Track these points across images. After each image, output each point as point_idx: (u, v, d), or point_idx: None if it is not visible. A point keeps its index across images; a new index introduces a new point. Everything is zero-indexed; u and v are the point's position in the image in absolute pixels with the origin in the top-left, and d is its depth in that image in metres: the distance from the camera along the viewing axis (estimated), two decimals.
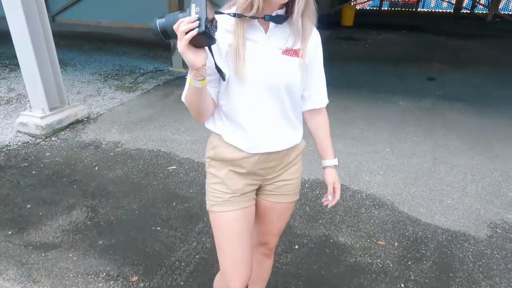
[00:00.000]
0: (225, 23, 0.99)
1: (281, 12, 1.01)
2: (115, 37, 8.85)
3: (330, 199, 1.25)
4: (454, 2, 16.14)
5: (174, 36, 0.84)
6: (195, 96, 0.98)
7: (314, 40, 1.10)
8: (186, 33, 0.80)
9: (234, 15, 0.96)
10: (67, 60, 6.28)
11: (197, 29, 0.79)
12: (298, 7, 0.96)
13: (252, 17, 0.97)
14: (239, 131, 1.09)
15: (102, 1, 10.46)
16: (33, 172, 2.94)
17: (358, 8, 16.66)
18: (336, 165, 1.25)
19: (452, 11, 16.34)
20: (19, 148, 3.32)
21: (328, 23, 10.73)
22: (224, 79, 1.01)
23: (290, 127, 1.14)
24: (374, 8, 18.60)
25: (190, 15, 0.81)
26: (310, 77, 1.14)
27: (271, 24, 1.02)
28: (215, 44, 0.90)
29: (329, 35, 9.53)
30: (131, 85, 5.09)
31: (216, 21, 0.87)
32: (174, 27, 0.82)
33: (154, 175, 2.90)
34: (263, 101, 1.05)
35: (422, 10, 17.94)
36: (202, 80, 0.91)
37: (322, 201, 1.31)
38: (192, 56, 0.85)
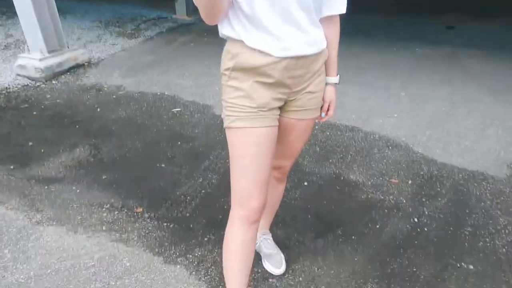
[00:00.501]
0: None
1: None
2: None
3: (323, 116, 1.20)
4: None
5: None
6: (211, 1, 0.85)
7: None
8: None
9: None
10: (66, 8, 5.99)
11: None
12: None
13: None
14: (265, 34, 0.95)
15: None
16: (34, 113, 2.86)
17: None
18: (336, 83, 1.19)
19: None
20: (19, 90, 3.22)
21: None
22: None
23: (316, 29, 1.02)
24: None
25: None
26: None
27: None
28: None
29: None
30: (132, 31, 4.86)
31: None
32: None
33: (158, 116, 2.79)
34: (288, 1, 0.92)
35: None
36: None
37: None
38: None
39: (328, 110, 1.20)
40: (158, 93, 3.16)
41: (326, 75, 1.17)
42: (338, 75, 1.19)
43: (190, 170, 2.18)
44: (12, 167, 2.19)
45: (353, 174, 2.15)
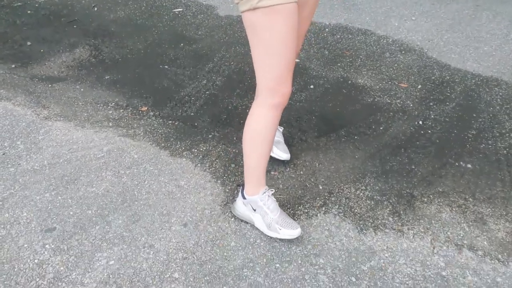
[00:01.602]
0: None
1: None
2: None
3: None
4: None
5: None
6: None
7: None
8: None
9: None
10: None
11: None
12: None
13: None
14: None
15: None
16: (28, 11, 2.71)
17: None
18: None
19: None
20: None
21: None
22: None
23: None
24: None
25: None
26: None
27: None
28: None
29: None
30: None
31: None
32: None
33: (159, 17, 2.63)
34: None
35: None
36: None
37: None
38: None
39: None
40: None
41: None
42: None
43: (194, 71, 2.12)
44: (13, 66, 2.15)
45: (361, 78, 2.08)
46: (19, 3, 2.80)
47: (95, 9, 2.73)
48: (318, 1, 1.13)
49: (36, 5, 2.78)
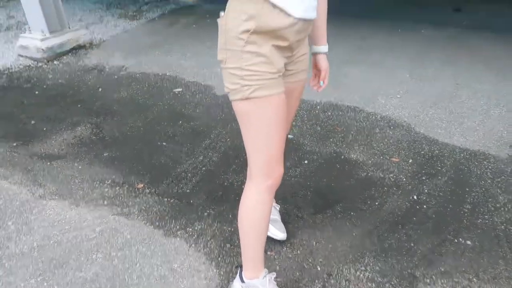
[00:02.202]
0: None
1: None
2: None
3: (322, 85, 1.27)
4: None
5: None
6: None
7: None
8: None
9: None
10: None
11: None
12: None
13: None
14: None
15: None
16: (36, 92, 2.87)
17: None
18: (327, 52, 1.24)
19: None
20: (21, 71, 3.22)
21: None
22: None
23: None
24: None
25: None
26: None
27: None
28: None
29: None
30: (134, 13, 4.81)
31: None
32: None
33: (160, 96, 2.79)
34: None
35: None
36: None
37: (311, 85, 1.30)
38: None
39: (324, 77, 1.25)
40: (160, 74, 3.15)
41: (318, 44, 1.22)
42: (327, 44, 1.24)
43: (191, 148, 2.19)
44: (15, 144, 2.21)
45: (354, 153, 2.14)
46: (28, 85, 2.98)
47: (100, 89, 2.90)
48: (303, 90, 1.23)
49: (44, 86, 2.95)
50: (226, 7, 0.99)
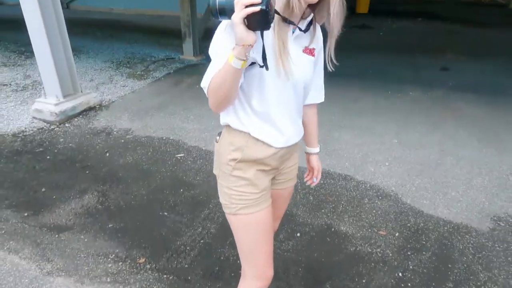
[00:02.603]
0: None
1: (308, 17, 1.04)
2: (127, 24, 8.90)
3: (315, 181, 1.41)
4: None
5: (231, 13, 0.84)
6: (229, 78, 0.93)
7: (320, 36, 1.14)
8: (247, 6, 0.81)
9: (275, 11, 0.95)
10: (81, 47, 6.38)
11: (259, 5, 0.80)
12: (333, 9, 0.97)
13: (286, 20, 0.97)
14: (270, 127, 1.09)
15: None
16: (48, 157, 3.06)
17: None
18: (318, 152, 1.40)
19: None
20: (34, 134, 3.45)
21: None
22: (267, 68, 0.97)
23: (300, 118, 1.21)
24: None
25: None
26: (315, 73, 1.19)
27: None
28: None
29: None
30: (142, 73, 5.16)
31: (274, 13, 0.87)
32: (235, 1, 0.82)
33: (163, 162, 2.98)
34: (288, 95, 1.09)
35: None
36: (244, 61, 0.89)
37: (305, 180, 1.44)
38: (244, 30, 0.84)
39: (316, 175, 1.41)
40: (164, 138, 3.37)
41: (311, 146, 1.38)
42: (319, 145, 1.41)
43: (191, 218, 2.33)
44: (26, 214, 2.36)
45: (344, 225, 2.27)
46: (41, 149, 3.19)
47: (107, 154, 3.10)
48: (292, 192, 1.39)
49: (56, 151, 3.16)
50: (222, 133, 1.19)
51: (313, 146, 1.39)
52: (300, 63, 1.06)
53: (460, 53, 6.25)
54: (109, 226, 2.27)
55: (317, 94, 1.29)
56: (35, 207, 2.44)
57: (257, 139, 1.10)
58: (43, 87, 3.77)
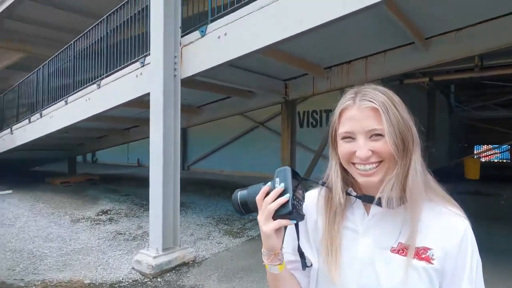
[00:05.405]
0: (313, 196, 0.85)
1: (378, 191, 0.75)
2: (232, 184, 9.86)
3: None
4: None
5: (255, 209, 0.78)
6: (273, 283, 0.84)
7: (456, 234, 0.75)
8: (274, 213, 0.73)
9: (323, 184, 0.81)
10: (189, 203, 7.08)
11: (283, 209, 0.72)
12: (411, 182, 0.73)
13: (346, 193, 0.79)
14: None
15: (226, 154, 12.35)
16: None
17: (483, 160, 15.34)
18: None
19: None
20: (128, 286, 3.49)
21: (448, 174, 9.94)
22: (304, 267, 0.81)
23: None
24: (504, 161, 16.84)
25: (274, 187, 0.75)
26: None
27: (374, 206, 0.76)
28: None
29: (451, 188, 8.66)
30: (238, 230, 5.25)
31: (304, 191, 0.78)
32: (257, 198, 0.76)
33: None
34: None
35: None
36: (280, 264, 0.79)
37: None
38: (275, 239, 0.75)
39: None
40: None
41: None
42: None
43: None
44: None
45: None
46: None
47: None
48: None
49: None
50: None
51: None
52: (376, 271, 0.74)
53: None
54: None
55: None
56: None
57: None
58: (149, 239, 4.04)
